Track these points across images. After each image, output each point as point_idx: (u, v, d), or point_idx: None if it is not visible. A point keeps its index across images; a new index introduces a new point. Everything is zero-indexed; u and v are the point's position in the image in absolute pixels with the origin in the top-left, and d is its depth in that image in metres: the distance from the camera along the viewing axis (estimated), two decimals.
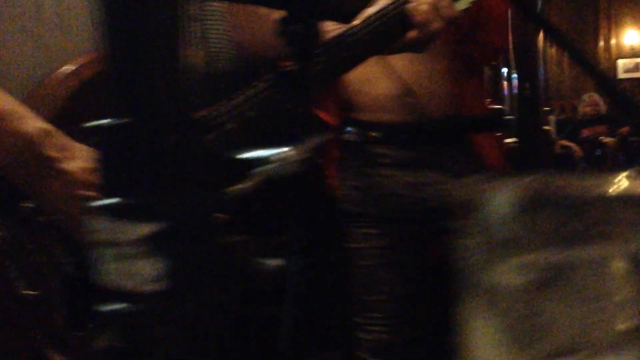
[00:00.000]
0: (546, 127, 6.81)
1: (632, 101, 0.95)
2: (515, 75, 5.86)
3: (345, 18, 1.22)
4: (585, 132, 8.17)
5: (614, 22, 11.85)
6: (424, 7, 1.33)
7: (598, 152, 7.49)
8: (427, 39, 1.36)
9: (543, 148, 6.46)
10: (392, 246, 1.79)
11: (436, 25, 1.34)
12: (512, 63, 5.86)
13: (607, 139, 7.69)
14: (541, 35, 6.53)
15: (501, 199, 0.80)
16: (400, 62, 1.75)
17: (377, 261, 1.78)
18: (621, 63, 11.82)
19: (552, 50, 12.19)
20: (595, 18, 11.92)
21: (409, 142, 1.81)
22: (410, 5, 1.33)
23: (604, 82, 0.96)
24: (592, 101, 8.61)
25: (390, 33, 1.32)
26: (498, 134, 1.96)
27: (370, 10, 1.33)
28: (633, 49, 11.81)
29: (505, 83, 5.69)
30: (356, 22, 1.30)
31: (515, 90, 5.89)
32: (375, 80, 1.80)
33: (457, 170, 1.81)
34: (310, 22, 0.95)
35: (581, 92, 9.74)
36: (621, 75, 11.81)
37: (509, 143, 5.34)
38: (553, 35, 0.96)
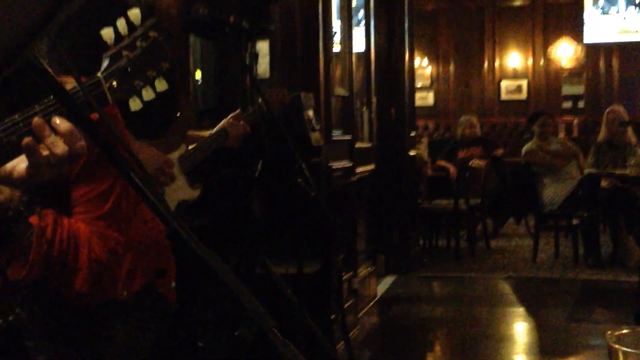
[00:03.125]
0: (414, 151, 6.94)
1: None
2: (374, 100, 5.92)
3: None
4: (462, 153, 8.36)
5: (498, 45, 12.23)
6: (49, 141, 1.21)
7: (467, 174, 7.68)
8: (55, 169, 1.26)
9: (407, 171, 6.58)
10: None
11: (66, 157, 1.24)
12: (373, 89, 5.92)
13: (476, 162, 7.90)
14: (408, 60, 6.65)
15: None
16: None
17: None
18: (504, 85, 12.20)
19: (440, 70, 12.48)
20: (481, 40, 12.28)
21: None
22: (29, 141, 1.20)
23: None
24: (469, 123, 8.82)
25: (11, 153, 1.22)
26: None
27: None
28: (515, 71, 12.21)
29: (364, 110, 5.75)
30: None
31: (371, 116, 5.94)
32: None
33: None
34: None
35: (466, 112, 10.00)
36: (504, 96, 12.19)
37: (366, 171, 5.41)
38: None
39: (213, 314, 2.80)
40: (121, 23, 1.33)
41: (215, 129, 2.91)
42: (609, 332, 0.85)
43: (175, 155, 2.68)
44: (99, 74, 1.32)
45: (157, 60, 1.36)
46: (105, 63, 1.33)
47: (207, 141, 2.86)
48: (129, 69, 1.34)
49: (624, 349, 0.82)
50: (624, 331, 0.87)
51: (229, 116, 2.98)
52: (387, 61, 6.43)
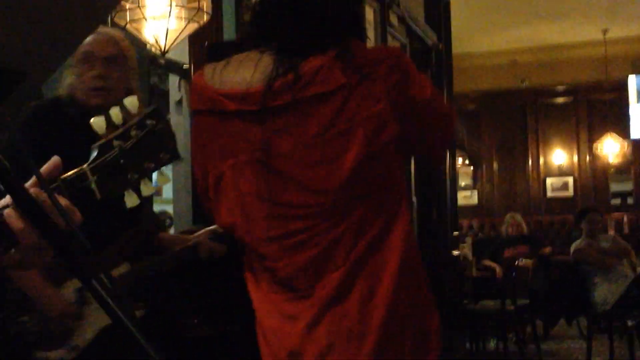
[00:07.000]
0: (458, 251, 6.77)
1: None
2: (414, 201, 5.82)
3: None
4: (507, 252, 8.15)
5: (542, 142, 12.11)
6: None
7: (513, 274, 7.44)
8: None
9: (451, 272, 6.40)
10: None
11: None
12: (413, 190, 5.84)
13: (523, 261, 7.66)
14: (449, 160, 6.58)
15: None
16: None
17: None
18: (549, 182, 12.01)
19: (483, 169, 12.38)
20: (525, 138, 12.18)
21: None
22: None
23: None
24: (514, 221, 8.65)
25: None
26: None
27: None
28: (560, 168, 12.03)
29: None
30: None
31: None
32: None
33: None
34: None
35: (511, 210, 9.82)
36: (550, 194, 11.98)
37: None
38: None
39: None
40: (114, 111, 1.22)
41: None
42: None
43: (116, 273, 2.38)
44: (84, 166, 1.21)
45: (155, 151, 1.25)
46: (94, 154, 1.22)
47: (160, 261, 2.48)
48: (121, 161, 1.23)
49: None
50: None
51: (203, 230, 2.62)
52: (427, 162, 6.36)
